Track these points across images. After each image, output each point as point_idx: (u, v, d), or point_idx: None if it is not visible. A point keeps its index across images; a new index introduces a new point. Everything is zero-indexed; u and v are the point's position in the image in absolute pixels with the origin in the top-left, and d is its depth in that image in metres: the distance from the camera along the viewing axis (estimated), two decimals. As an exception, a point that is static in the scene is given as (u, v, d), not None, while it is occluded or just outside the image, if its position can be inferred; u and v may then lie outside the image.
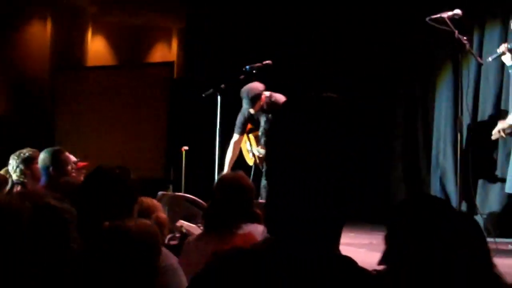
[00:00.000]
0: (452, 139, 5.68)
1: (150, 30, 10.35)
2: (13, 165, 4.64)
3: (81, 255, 2.29)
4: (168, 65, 8.99)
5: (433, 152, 6.28)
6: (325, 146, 1.28)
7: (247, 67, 5.47)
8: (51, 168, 4.33)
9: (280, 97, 5.49)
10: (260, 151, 5.82)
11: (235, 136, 5.76)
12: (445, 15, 4.55)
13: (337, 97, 1.39)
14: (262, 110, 5.60)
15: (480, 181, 5.81)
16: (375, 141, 6.10)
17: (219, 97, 5.41)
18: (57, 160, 4.38)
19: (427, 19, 4.56)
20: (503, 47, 5.02)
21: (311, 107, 1.35)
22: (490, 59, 5.12)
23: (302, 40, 7.13)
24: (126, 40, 10.22)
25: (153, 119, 8.55)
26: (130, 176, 2.82)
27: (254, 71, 5.47)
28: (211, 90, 5.44)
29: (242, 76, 5.46)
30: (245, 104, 5.57)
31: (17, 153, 4.70)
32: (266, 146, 1.40)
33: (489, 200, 5.74)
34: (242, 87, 5.53)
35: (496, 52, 5.07)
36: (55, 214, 2.35)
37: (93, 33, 10.04)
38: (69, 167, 4.45)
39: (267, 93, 5.54)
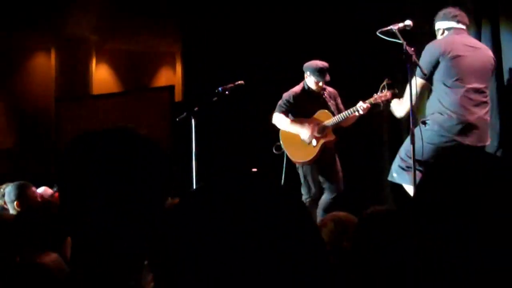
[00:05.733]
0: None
1: (153, 55, 10.46)
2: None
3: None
4: (168, 89, 9.06)
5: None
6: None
7: (220, 88, 5.48)
8: (15, 203, 4.36)
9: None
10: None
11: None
12: (396, 27, 4.49)
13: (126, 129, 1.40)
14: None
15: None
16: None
17: (193, 120, 5.41)
18: (22, 195, 4.40)
19: (377, 32, 4.50)
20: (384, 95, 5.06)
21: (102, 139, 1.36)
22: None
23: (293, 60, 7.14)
24: (131, 67, 10.35)
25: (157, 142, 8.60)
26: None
27: (226, 92, 5.47)
28: (184, 114, 5.46)
29: (215, 98, 5.47)
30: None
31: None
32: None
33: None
34: (215, 109, 5.53)
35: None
36: None
37: (97, 62, 10.19)
38: (35, 202, 4.47)
39: None
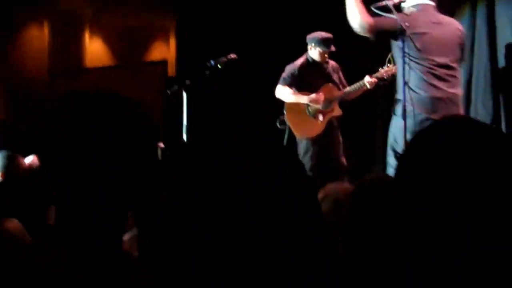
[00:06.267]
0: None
1: (147, 30, 10.38)
2: None
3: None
4: (162, 63, 9.02)
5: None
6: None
7: (212, 62, 5.44)
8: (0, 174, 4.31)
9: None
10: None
11: None
12: (391, 2, 4.48)
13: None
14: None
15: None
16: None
17: (184, 94, 5.38)
18: (7, 165, 4.35)
19: (372, 6, 4.48)
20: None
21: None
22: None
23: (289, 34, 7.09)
24: (124, 41, 10.27)
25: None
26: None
27: (219, 66, 5.43)
28: (175, 87, 5.43)
29: (207, 72, 5.43)
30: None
31: None
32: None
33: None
34: (207, 82, 5.50)
35: None
36: None
37: (91, 36, 10.12)
38: (21, 173, 4.41)
39: None
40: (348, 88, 5.74)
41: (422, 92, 4.62)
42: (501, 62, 5.74)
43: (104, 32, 10.31)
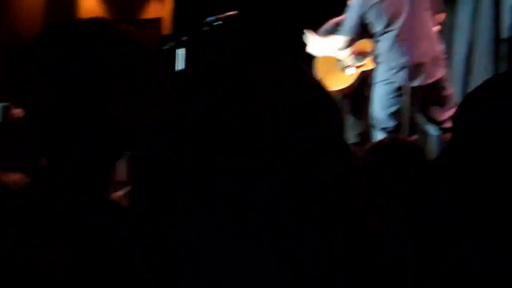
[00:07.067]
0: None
1: (142, -14, 10.23)
2: None
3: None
4: (156, 21, 8.94)
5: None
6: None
7: (211, 18, 5.32)
8: (-5, 126, 4.32)
9: None
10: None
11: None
12: None
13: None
14: None
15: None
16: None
17: (182, 51, 5.27)
18: (2, 116, 4.38)
19: None
20: None
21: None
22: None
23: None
24: (118, -2, 10.13)
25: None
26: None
27: (218, 23, 5.30)
28: (172, 43, 5.31)
29: (205, 28, 5.31)
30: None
31: None
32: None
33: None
34: (205, 39, 5.37)
35: None
36: None
37: (84, -7, 9.99)
38: (16, 123, 4.41)
39: None
40: None
41: (392, 63, 4.58)
42: (506, 22, 5.64)
43: (99, -13, 10.18)
